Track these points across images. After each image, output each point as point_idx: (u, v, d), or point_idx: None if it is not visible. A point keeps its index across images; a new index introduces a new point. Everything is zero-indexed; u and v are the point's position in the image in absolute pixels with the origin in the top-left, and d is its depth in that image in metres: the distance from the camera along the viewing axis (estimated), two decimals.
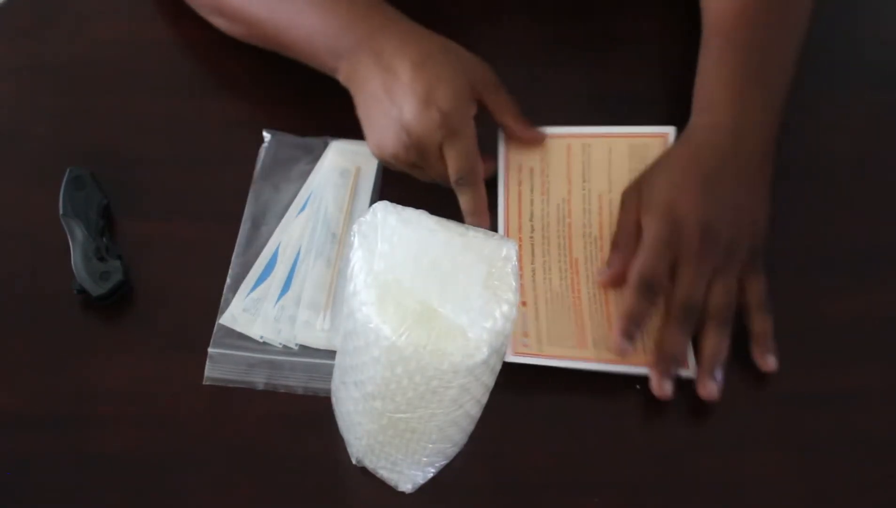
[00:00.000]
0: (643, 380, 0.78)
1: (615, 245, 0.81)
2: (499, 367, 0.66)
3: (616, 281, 0.80)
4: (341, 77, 0.83)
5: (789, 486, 0.75)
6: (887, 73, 0.96)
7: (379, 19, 0.83)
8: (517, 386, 0.74)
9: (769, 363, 0.78)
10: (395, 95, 0.78)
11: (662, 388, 0.76)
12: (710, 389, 0.76)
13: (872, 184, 0.89)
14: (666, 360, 0.77)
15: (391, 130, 0.79)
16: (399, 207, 0.64)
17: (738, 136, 0.82)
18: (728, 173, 0.80)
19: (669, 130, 0.86)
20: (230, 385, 0.77)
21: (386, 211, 0.63)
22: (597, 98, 0.92)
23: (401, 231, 0.62)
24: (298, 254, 0.83)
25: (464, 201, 0.81)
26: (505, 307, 0.61)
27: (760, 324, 0.79)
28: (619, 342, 0.77)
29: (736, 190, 0.80)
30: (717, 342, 0.78)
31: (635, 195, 0.81)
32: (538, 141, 0.86)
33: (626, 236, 0.81)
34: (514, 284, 0.62)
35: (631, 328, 0.77)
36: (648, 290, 0.77)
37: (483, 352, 0.61)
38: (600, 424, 0.77)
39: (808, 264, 0.84)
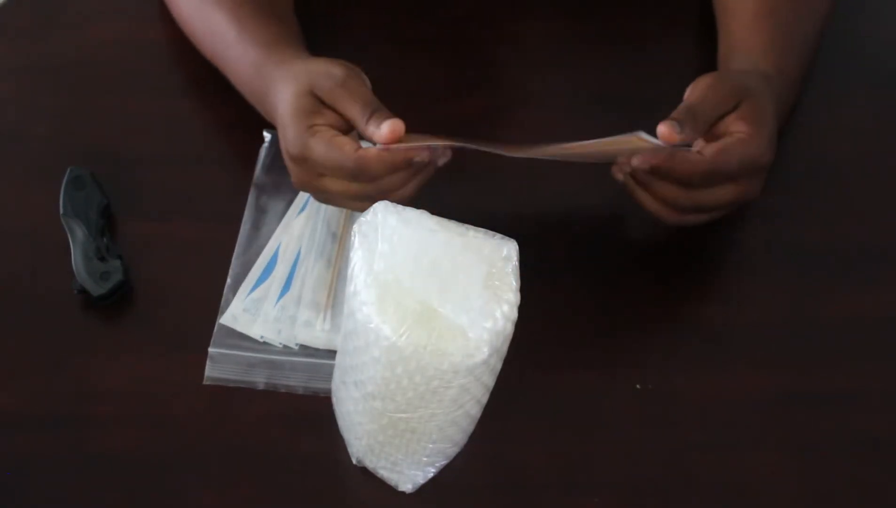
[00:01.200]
0: (643, 380, 0.78)
1: (692, 116, 0.76)
2: (499, 367, 0.66)
3: (684, 138, 0.76)
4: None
5: (789, 486, 0.75)
6: (887, 73, 0.96)
7: (270, 65, 0.82)
8: (517, 386, 0.74)
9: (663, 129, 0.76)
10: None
11: (634, 166, 0.76)
12: (669, 128, 0.75)
13: (873, 184, 0.89)
14: (661, 200, 0.78)
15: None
16: (399, 207, 0.64)
17: (788, 102, 0.84)
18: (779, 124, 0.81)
19: (639, 134, 0.83)
20: (230, 385, 0.77)
21: (386, 211, 0.63)
22: (598, 98, 0.92)
23: (401, 231, 0.62)
24: (298, 254, 0.83)
25: (377, 173, 0.75)
26: (505, 307, 0.61)
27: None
28: (642, 162, 0.76)
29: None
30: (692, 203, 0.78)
31: (730, 94, 0.78)
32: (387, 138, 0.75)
33: (706, 117, 0.77)
34: (514, 284, 0.62)
35: (655, 172, 0.76)
36: (704, 178, 0.76)
37: (483, 352, 0.61)
38: (600, 424, 0.77)
39: (808, 264, 0.84)
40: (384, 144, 0.74)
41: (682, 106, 0.77)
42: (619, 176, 0.79)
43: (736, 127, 0.77)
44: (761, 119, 0.78)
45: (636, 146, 0.79)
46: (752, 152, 0.77)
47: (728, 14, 0.89)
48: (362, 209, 0.75)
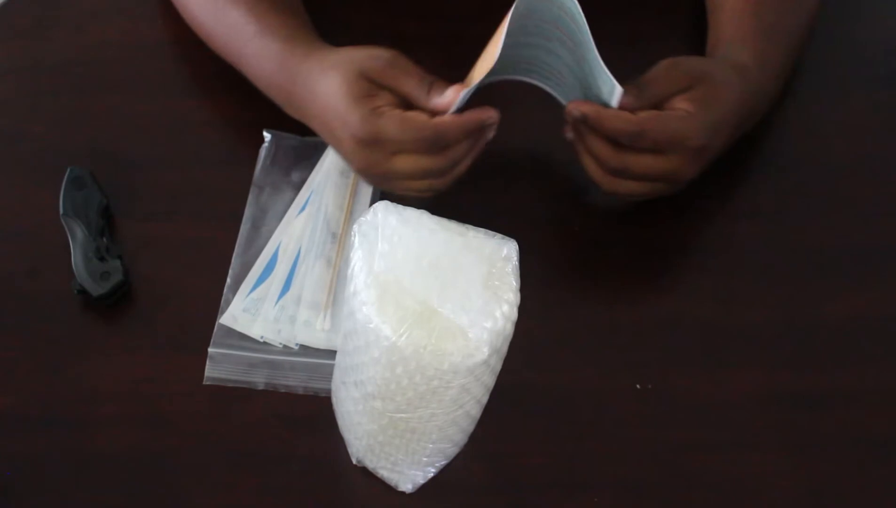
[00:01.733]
0: (643, 380, 0.78)
1: (632, 91, 0.78)
2: (499, 367, 0.66)
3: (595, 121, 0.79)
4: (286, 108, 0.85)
5: (789, 486, 0.75)
6: (886, 73, 0.96)
7: (288, 72, 0.82)
8: (517, 386, 0.74)
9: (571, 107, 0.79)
10: (330, 134, 0.80)
11: (573, 118, 0.79)
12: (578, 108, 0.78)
13: (873, 184, 0.89)
14: (592, 155, 0.80)
15: (350, 162, 0.80)
16: (399, 206, 0.64)
17: (769, 94, 0.85)
18: (744, 117, 0.82)
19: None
20: (230, 385, 0.77)
21: (386, 211, 0.63)
22: None
23: (401, 231, 0.62)
24: (298, 254, 0.83)
25: (456, 138, 0.77)
26: (505, 307, 0.61)
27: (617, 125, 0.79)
28: (576, 110, 0.78)
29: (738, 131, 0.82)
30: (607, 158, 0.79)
31: (687, 77, 0.80)
32: (447, 104, 0.77)
33: (655, 92, 0.79)
34: (514, 284, 0.62)
35: (583, 125, 0.78)
36: (634, 137, 0.77)
37: (483, 352, 0.61)
38: (600, 424, 0.77)
39: (808, 264, 0.84)
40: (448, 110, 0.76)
41: (635, 84, 0.79)
42: (569, 135, 0.81)
43: (679, 104, 0.78)
44: (709, 103, 0.78)
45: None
46: (684, 130, 0.78)
47: (716, 7, 0.90)
48: (426, 188, 0.79)
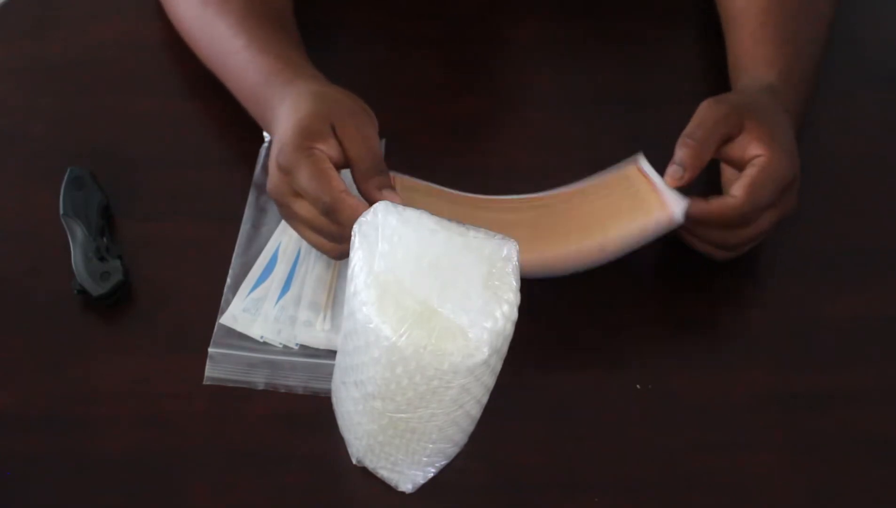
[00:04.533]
0: (643, 380, 0.78)
1: (689, 153, 0.77)
2: (499, 367, 0.66)
3: (693, 174, 0.77)
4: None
5: (789, 486, 0.75)
6: (888, 73, 0.96)
7: (280, 80, 0.81)
8: (517, 386, 0.74)
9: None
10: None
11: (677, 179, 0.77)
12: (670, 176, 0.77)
13: (874, 184, 0.89)
14: (710, 243, 0.79)
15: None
16: (400, 207, 0.64)
17: (796, 106, 0.83)
18: (792, 132, 0.81)
19: (638, 158, 0.82)
20: (230, 385, 0.77)
21: (386, 211, 0.63)
22: (598, 98, 0.92)
23: (401, 231, 0.62)
24: (298, 254, 0.83)
25: (347, 222, 0.73)
26: (505, 307, 0.61)
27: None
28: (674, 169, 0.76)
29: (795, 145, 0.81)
30: (721, 240, 0.79)
31: (733, 111, 0.78)
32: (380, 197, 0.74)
33: (708, 136, 0.77)
34: (514, 284, 0.62)
35: (698, 224, 0.77)
36: (745, 221, 0.77)
37: (483, 352, 0.61)
38: (600, 424, 0.77)
39: (808, 264, 0.84)
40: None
41: (681, 136, 0.77)
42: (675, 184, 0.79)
43: (752, 150, 0.77)
44: (774, 134, 0.77)
45: (637, 191, 0.79)
46: (780, 174, 0.77)
47: (733, 24, 0.89)
48: (315, 243, 0.77)
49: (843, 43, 0.96)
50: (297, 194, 0.75)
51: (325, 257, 0.82)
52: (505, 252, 0.63)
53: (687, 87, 0.92)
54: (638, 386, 0.78)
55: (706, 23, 0.92)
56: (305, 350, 0.79)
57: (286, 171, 0.75)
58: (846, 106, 0.93)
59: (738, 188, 0.76)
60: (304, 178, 0.74)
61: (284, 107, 0.78)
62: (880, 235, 0.87)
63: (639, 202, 0.78)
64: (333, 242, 0.76)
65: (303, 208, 0.76)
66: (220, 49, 0.86)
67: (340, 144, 0.75)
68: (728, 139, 0.77)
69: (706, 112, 0.78)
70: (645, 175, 0.80)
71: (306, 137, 0.75)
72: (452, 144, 0.89)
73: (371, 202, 0.73)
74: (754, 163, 0.77)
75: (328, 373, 0.75)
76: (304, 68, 0.82)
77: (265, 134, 0.88)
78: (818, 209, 0.87)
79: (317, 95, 0.78)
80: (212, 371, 0.78)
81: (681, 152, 0.77)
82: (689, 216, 0.76)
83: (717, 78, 0.88)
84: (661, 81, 0.93)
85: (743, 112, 0.78)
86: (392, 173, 0.77)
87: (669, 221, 0.76)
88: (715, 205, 0.76)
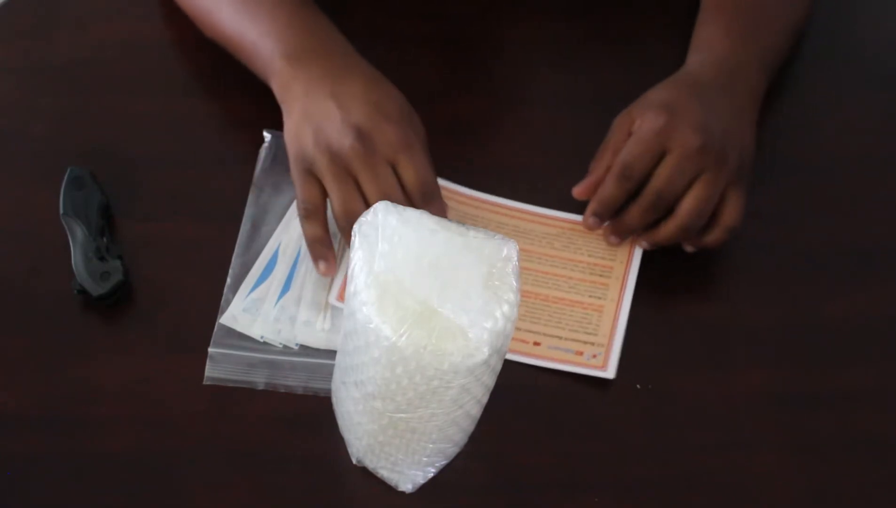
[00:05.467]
0: (643, 380, 0.78)
1: (596, 158, 0.83)
2: (499, 367, 0.66)
3: (592, 189, 0.82)
4: (279, 82, 0.82)
5: (789, 486, 0.75)
6: (887, 73, 0.96)
7: (331, 42, 0.83)
8: (517, 386, 0.74)
9: (688, 247, 0.81)
10: (346, 100, 0.77)
11: (588, 222, 0.82)
12: (587, 218, 0.82)
13: (873, 184, 0.89)
14: (618, 225, 0.81)
15: (335, 129, 0.76)
16: (400, 207, 0.64)
17: (730, 73, 0.84)
18: (721, 99, 0.82)
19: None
20: (230, 385, 0.77)
21: (386, 211, 0.63)
22: (597, 98, 0.92)
23: (401, 231, 0.62)
24: (298, 254, 0.83)
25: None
26: (505, 307, 0.61)
27: (716, 238, 0.80)
28: (589, 219, 0.81)
29: (728, 113, 0.81)
30: (667, 237, 0.80)
31: (626, 116, 0.82)
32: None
33: (605, 149, 0.82)
34: (514, 284, 0.62)
35: (601, 210, 0.81)
36: (626, 177, 0.79)
37: (483, 352, 0.61)
38: (600, 424, 0.77)
39: (808, 264, 0.84)
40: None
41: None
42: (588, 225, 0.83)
43: (633, 123, 0.81)
44: (647, 102, 0.81)
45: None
46: (642, 128, 0.79)
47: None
48: (351, 212, 0.77)
49: (843, 43, 0.96)
50: (384, 164, 0.76)
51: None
52: (505, 252, 0.63)
53: None
54: (638, 386, 0.78)
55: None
56: (305, 350, 0.79)
57: (395, 140, 0.76)
58: (846, 106, 0.93)
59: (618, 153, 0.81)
60: (417, 159, 0.76)
61: (364, 70, 0.80)
62: (879, 235, 0.87)
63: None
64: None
65: (386, 177, 0.76)
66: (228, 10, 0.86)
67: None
68: (630, 132, 0.81)
69: (615, 129, 0.83)
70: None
71: (415, 122, 0.78)
72: (452, 144, 0.89)
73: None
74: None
75: (328, 373, 0.75)
76: (351, 46, 0.84)
77: (265, 134, 0.88)
78: (818, 209, 0.87)
79: (395, 88, 0.80)
80: (212, 371, 0.78)
81: (590, 173, 0.83)
82: (588, 214, 0.81)
83: None
84: (661, 81, 0.93)
85: (631, 108, 0.82)
86: None
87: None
88: (599, 191, 0.81)
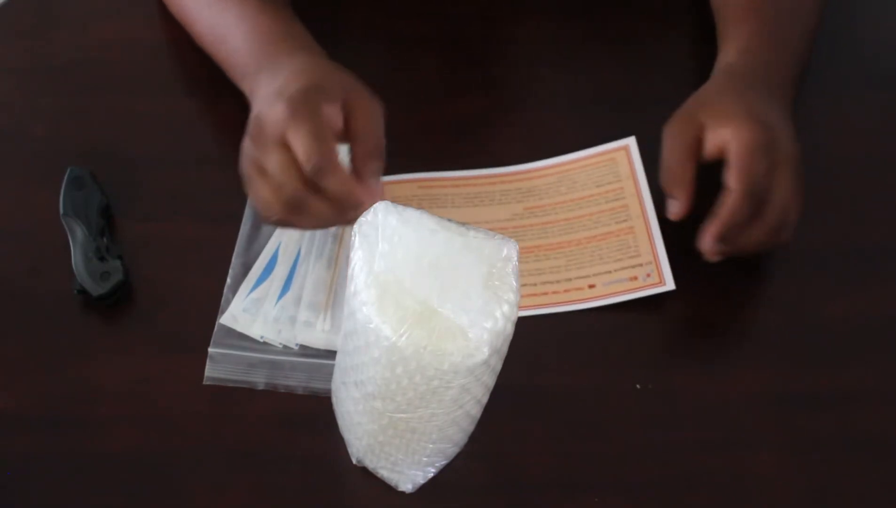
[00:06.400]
0: (643, 380, 0.78)
1: (669, 179, 0.79)
2: (499, 367, 0.66)
3: (685, 212, 0.78)
4: (248, 97, 0.82)
5: (789, 486, 0.75)
6: (887, 73, 0.96)
7: (285, 44, 0.82)
8: (517, 386, 0.74)
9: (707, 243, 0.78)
10: (265, 97, 0.76)
11: (712, 247, 0.77)
12: (711, 246, 0.77)
13: (873, 184, 0.89)
14: (729, 227, 0.76)
15: (250, 126, 0.76)
16: (400, 206, 0.64)
17: (768, 73, 0.83)
18: (776, 101, 0.81)
19: (629, 141, 0.87)
20: (230, 385, 0.77)
21: (387, 211, 0.63)
22: (597, 98, 0.92)
23: (401, 231, 0.62)
24: (299, 254, 0.83)
25: (332, 192, 0.72)
26: (505, 307, 0.61)
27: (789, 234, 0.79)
28: (712, 245, 0.76)
29: (784, 115, 0.81)
30: (756, 243, 0.78)
31: (688, 119, 0.79)
32: (367, 195, 0.73)
33: (680, 165, 0.78)
34: (514, 284, 0.62)
35: (731, 232, 0.76)
36: (754, 194, 0.76)
37: (483, 352, 0.61)
38: (600, 424, 0.77)
39: (808, 264, 0.84)
40: (361, 190, 0.73)
41: (660, 172, 0.80)
42: (714, 258, 0.79)
43: (719, 136, 0.77)
44: (732, 111, 0.78)
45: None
46: (755, 137, 0.76)
47: (715, 15, 0.90)
48: (264, 197, 0.74)
49: (843, 43, 0.96)
50: (282, 144, 0.72)
51: (325, 257, 0.82)
52: (505, 252, 0.63)
53: (686, 87, 0.91)
54: (638, 386, 0.78)
55: (705, 22, 0.92)
56: (305, 350, 0.79)
57: (282, 117, 0.72)
58: (846, 106, 0.93)
59: (729, 178, 0.76)
60: (303, 131, 0.72)
61: (294, 63, 0.78)
62: (880, 235, 0.87)
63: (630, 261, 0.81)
64: (284, 205, 0.73)
65: (280, 159, 0.72)
66: (223, 6, 0.86)
67: (346, 117, 0.75)
68: (699, 144, 0.78)
69: (665, 135, 0.80)
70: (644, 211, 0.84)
71: (318, 93, 0.74)
72: (452, 144, 0.89)
73: (362, 182, 0.74)
74: (728, 145, 0.77)
75: (328, 373, 0.75)
76: (318, 46, 0.82)
77: None
78: (818, 209, 0.87)
79: (333, 66, 0.78)
80: (212, 371, 0.78)
81: (666, 187, 0.79)
82: (712, 240, 0.77)
83: None
84: (661, 81, 0.93)
85: (695, 111, 0.80)
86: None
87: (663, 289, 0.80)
88: (722, 211, 0.76)
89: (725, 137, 0.77)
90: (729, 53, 0.85)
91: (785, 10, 0.88)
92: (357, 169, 0.74)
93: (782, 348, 0.80)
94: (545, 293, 0.81)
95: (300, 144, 0.72)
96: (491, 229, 0.64)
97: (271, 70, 0.79)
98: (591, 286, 0.81)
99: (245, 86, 0.83)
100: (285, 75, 0.77)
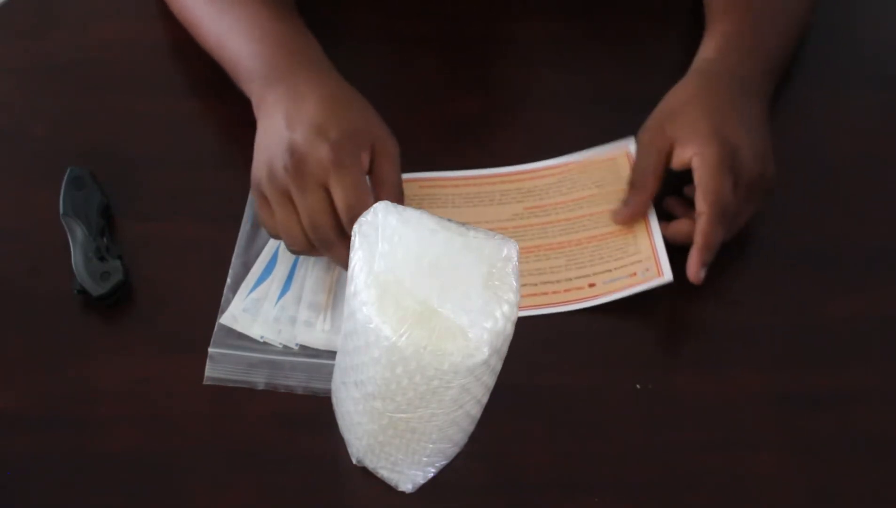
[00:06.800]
0: (643, 379, 0.78)
1: (633, 184, 0.83)
2: (499, 367, 0.66)
3: (635, 218, 0.82)
4: (254, 102, 0.82)
5: (789, 486, 0.75)
6: (887, 73, 0.96)
7: (302, 56, 0.82)
8: (517, 386, 0.74)
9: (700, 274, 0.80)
10: (294, 121, 0.77)
11: (699, 275, 0.79)
12: (700, 274, 0.79)
13: (873, 184, 0.89)
14: (711, 251, 0.79)
15: (277, 150, 0.76)
16: (400, 207, 0.64)
17: (743, 69, 0.84)
18: (747, 107, 0.83)
19: (629, 143, 0.87)
20: (230, 385, 0.77)
21: (387, 211, 0.63)
22: (597, 98, 0.92)
23: (401, 231, 0.62)
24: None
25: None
26: (505, 307, 0.61)
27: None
28: (698, 272, 0.79)
29: (757, 123, 0.83)
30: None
31: (659, 131, 0.82)
32: None
33: (645, 174, 0.82)
34: (514, 284, 0.62)
35: (711, 257, 0.79)
36: (725, 216, 0.79)
37: (483, 352, 0.61)
38: (600, 424, 0.77)
39: (808, 264, 0.84)
40: None
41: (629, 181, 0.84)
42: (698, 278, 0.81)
43: (686, 153, 0.80)
44: (695, 126, 0.80)
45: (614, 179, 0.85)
46: (718, 156, 0.78)
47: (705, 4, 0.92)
48: (287, 231, 0.76)
49: (843, 43, 0.96)
50: (323, 188, 0.74)
51: (324, 257, 0.82)
52: (505, 252, 0.63)
53: None
54: (638, 386, 0.78)
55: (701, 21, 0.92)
56: (305, 350, 0.79)
57: (327, 162, 0.74)
58: (846, 106, 0.93)
59: (698, 202, 0.79)
60: (347, 182, 0.74)
61: (316, 86, 0.78)
62: (880, 235, 0.87)
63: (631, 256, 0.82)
64: (313, 243, 0.76)
65: (320, 203, 0.74)
66: (219, 26, 0.86)
67: (374, 160, 0.77)
68: (667, 156, 0.81)
69: (637, 142, 0.83)
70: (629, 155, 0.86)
71: (358, 140, 0.76)
72: (452, 144, 0.89)
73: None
74: (693, 165, 0.80)
75: (328, 373, 0.75)
76: (327, 60, 0.83)
77: None
78: (818, 209, 0.87)
79: (357, 97, 0.79)
80: (212, 371, 0.78)
81: (629, 191, 0.83)
82: (698, 268, 0.79)
83: None
84: (661, 81, 0.93)
85: (665, 123, 0.82)
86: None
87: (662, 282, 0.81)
88: (699, 238, 0.79)
89: (690, 155, 0.80)
90: (707, 49, 0.86)
91: (768, 4, 0.89)
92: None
93: (782, 348, 0.80)
94: (545, 293, 0.81)
95: (342, 194, 0.74)
96: (491, 229, 0.64)
97: (290, 85, 0.79)
98: (592, 285, 0.81)
99: (251, 89, 0.83)
100: (314, 102, 0.77)
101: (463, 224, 0.63)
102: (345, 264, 0.72)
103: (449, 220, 0.64)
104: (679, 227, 0.82)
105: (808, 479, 0.75)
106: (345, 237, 0.74)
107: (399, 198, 0.78)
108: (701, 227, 0.79)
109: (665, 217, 0.84)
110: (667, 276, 0.80)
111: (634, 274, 0.81)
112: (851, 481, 0.76)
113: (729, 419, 0.77)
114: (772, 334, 0.81)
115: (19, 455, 0.75)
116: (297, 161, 0.75)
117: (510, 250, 0.63)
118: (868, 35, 0.99)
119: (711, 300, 0.83)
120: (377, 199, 0.76)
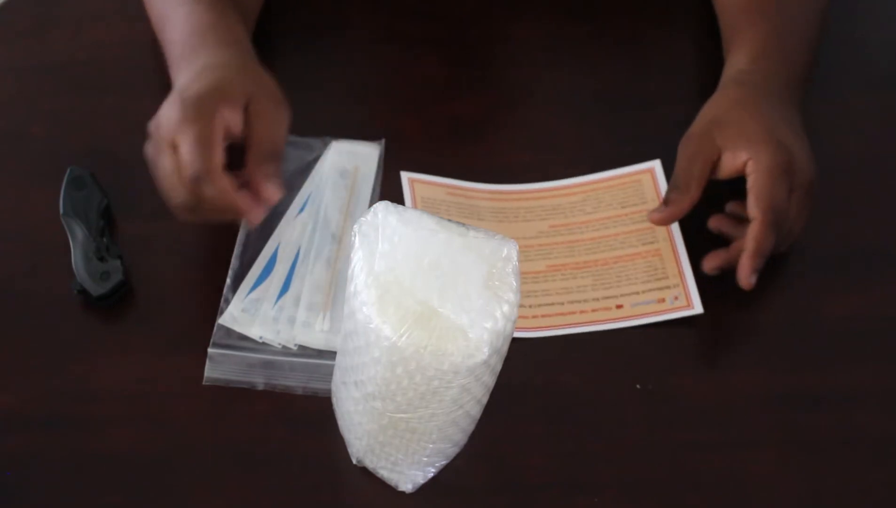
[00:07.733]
0: (643, 380, 0.78)
1: (676, 186, 0.80)
2: (499, 367, 0.66)
3: (672, 219, 0.81)
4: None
5: (789, 486, 0.75)
6: (887, 73, 0.96)
7: (207, 36, 0.81)
8: (518, 387, 0.74)
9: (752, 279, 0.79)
10: (170, 95, 0.78)
11: (750, 280, 0.77)
12: (752, 280, 0.78)
13: (873, 184, 0.89)
14: (763, 257, 0.77)
15: (152, 122, 0.77)
16: (400, 207, 0.64)
17: (780, 79, 0.84)
18: (789, 114, 0.82)
19: (654, 164, 0.87)
20: (230, 385, 0.77)
21: (387, 211, 0.63)
22: (597, 98, 0.92)
23: (401, 231, 0.62)
24: (298, 254, 0.83)
25: (210, 201, 0.75)
26: (506, 307, 0.61)
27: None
28: (749, 277, 0.77)
29: (802, 130, 0.82)
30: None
31: (706, 139, 0.80)
32: (259, 203, 0.76)
33: (689, 178, 0.80)
34: (514, 284, 0.62)
35: (761, 263, 0.78)
36: (778, 223, 0.77)
37: (484, 352, 0.61)
38: (600, 424, 0.77)
39: (808, 264, 0.84)
40: (244, 198, 0.75)
41: (668, 187, 0.81)
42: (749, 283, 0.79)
43: (738, 159, 0.79)
44: (747, 132, 0.79)
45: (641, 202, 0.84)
46: (775, 161, 0.77)
47: (720, 17, 0.90)
48: (166, 198, 0.76)
49: (843, 43, 0.96)
50: (173, 147, 0.74)
51: (324, 257, 0.82)
52: (505, 252, 0.63)
53: (687, 87, 0.92)
54: (638, 386, 0.78)
55: (706, 22, 0.92)
56: (304, 351, 0.79)
57: (174, 120, 0.74)
58: (846, 106, 0.93)
59: (751, 206, 0.78)
60: (190, 137, 0.73)
61: (208, 59, 0.78)
62: (880, 235, 0.87)
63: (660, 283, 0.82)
64: (177, 206, 0.76)
65: (169, 163, 0.75)
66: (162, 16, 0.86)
67: (248, 119, 0.76)
68: (713, 166, 0.80)
69: (681, 152, 0.81)
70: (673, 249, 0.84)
71: (215, 98, 0.75)
72: (452, 144, 0.89)
73: (255, 186, 0.75)
74: (748, 170, 0.78)
75: (327, 373, 0.75)
76: (244, 40, 0.82)
77: None
78: (818, 209, 0.87)
79: (246, 65, 0.78)
80: (211, 372, 0.78)
81: (667, 198, 0.80)
82: (750, 274, 0.78)
83: (717, 78, 0.87)
84: (661, 81, 0.93)
85: (712, 131, 0.80)
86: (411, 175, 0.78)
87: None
88: (751, 244, 0.77)
89: (743, 161, 0.78)
90: (740, 60, 0.84)
91: (792, 13, 0.88)
92: (252, 171, 0.76)
93: (782, 348, 0.80)
94: (573, 313, 0.80)
95: (184, 151, 0.74)
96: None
97: (190, 63, 0.79)
98: (619, 307, 0.81)
99: (171, 76, 0.83)
100: (195, 71, 0.77)
101: (463, 224, 0.63)
102: (221, 220, 0.75)
103: (449, 220, 0.64)
104: (715, 262, 0.80)
105: (808, 479, 0.75)
106: (198, 197, 0.74)
107: (272, 156, 0.76)
108: (753, 232, 0.77)
109: (692, 241, 0.83)
110: (697, 308, 0.80)
111: (663, 300, 0.81)
112: (851, 481, 0.75)
113: (729, 419, 0.77)
114: (772, 334, 0.81)
115: (19, 455, 0.75)
116: (154, 126, 0.76)
117: (510, 250, 0.63)
118: (869, 35, 0.98)
119: (711, 301, 0.83)
120: (247, 159, 0.76)
